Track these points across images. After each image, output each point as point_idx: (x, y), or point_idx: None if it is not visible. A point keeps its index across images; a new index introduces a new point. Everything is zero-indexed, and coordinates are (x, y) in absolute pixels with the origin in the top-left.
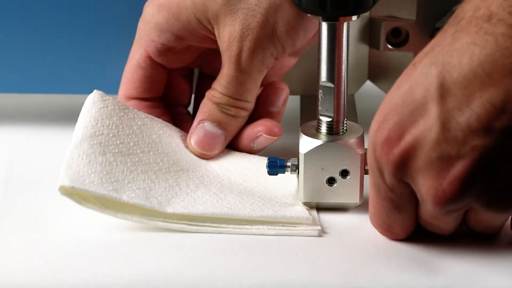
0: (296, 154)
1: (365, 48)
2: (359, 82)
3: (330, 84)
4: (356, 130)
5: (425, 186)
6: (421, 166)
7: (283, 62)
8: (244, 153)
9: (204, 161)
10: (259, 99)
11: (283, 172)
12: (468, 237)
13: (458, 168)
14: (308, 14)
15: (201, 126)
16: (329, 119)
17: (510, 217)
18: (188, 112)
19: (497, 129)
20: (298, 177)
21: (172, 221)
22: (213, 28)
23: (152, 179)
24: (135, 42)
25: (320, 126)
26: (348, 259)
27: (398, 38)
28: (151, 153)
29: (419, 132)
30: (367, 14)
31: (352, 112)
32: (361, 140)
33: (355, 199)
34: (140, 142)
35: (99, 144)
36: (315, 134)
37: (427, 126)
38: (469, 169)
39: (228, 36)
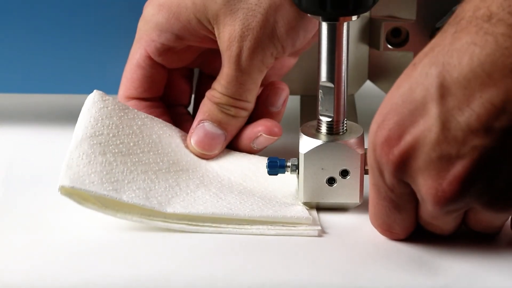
0: (296, 154)
1: (365, 48)
2: (359, 82)
3: (330, 84)
4: (356, 130)
5: (425, 186)
6: (421, 166)
7: (283, 62)
8: (244, 153)
9: (204, 161)
10: (259, 99)
11: (283, 172)
12: (468, 237)
13: (458, 168)
14: (308, 14)
15: (201, 126)
16: (329, 119)
17: (510, 217)
18: (188, 112)
19: (497, 129)
20: (298, 177)
21: (172, 221)
22: (213, 28)
23: (152, 179)
24: (135, 42)
25: (320, 126)
26: (348, 259)
27: (398, 38)
28: (151, 153)
29: (419, 132)
30: (367, 14)
31: (352, 112)
32: (361, 140)
33: (355, 199)
34: (140, 142)
35: (99, 144)
36: (315, 134)
37: (427, 126)
38: (469, 169)
39: (228, 36)
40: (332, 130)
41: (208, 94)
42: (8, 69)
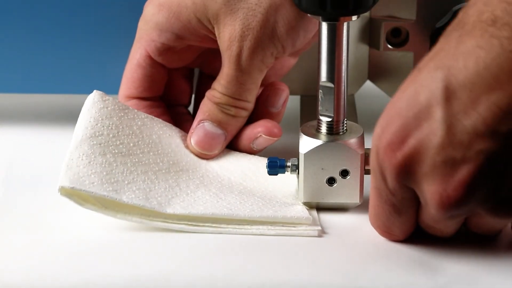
0: (296, 154)
1: (365, 48)
2: (359, 82)
3: (330, 84)
4: (356, 130)
5: (429, 191)
6: (425, 170)
7: (283, 62)
8: (244, 153)
9: (204, 161)
10: (259, 99)
11: (283, 172)
12: (468, 238)
13: (463, 173)
14: (308, 14)
15: (201, 126)
16: (329, 119)
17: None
18: (188, 112)
19: (503, 133)
20: (298, 177)
21: (172, 222)
22: (213, 28)
23: (152, 179)
24: (135, 42)
25: (320, 126)
26: (348, 259)
27: (398, 38)
28: (151, 153)
29: (423, 135)
30: (367, 14)
31: (352, 112)
32: (361, 140)
33: (355, 199)
34: (140, 142)
35: (99, 144)
36: (315, 134)
37: (431, 130)
38: (474, 174)
39: (229, 35)
40: (332, 130)
41: (208, 94)
42: (8, 69)
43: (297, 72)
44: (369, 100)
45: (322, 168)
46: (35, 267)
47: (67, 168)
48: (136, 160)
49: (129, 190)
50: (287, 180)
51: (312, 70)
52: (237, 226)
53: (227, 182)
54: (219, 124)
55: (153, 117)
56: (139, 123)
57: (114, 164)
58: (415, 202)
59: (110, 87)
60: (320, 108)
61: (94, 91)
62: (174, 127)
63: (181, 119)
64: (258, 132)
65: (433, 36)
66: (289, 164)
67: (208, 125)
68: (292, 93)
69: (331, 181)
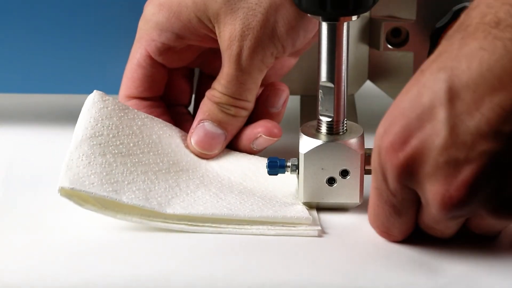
0: (296, 154)
1: (365, 48)
2: (359, 82)
3: (330, 84)
4: (356, 130)
5: (432, 191)
6: (428, 171)
7: (283, 62)
8: (244, 153)
9: (204, 161)
10: (259, 99)
11: (283, 172)
12: (468, 238)
13: (466, 173)
14: (308, 14)
15: (201, 126)
16: (329, 119)
17: None
18: (189, 112)
19: (506, 133)
20: (298, 177)
21: (172, 222)
22: (214, 27)
23: (152, 179)
24: (135, 42)
25: (320, 126)
26: (348, 259)
27: (398, 38)
28: (151, 153)
29: (426, 136)
30: (367, 14)
31: (352, 112)
32: (361, 140)
33: (355, 199)
34: (140, 142)
35: (99, 145)
36: (315, 134)
37: (434, 131)
38: (477, 174)
39: (229, 35)
40: (332, 130)
41: (208, 93)
42: (8, 69)
43: (297, 72)
44: (369, 100)
45: (322, 168)
46: (35, 267)
47: (67, 169)
48: (136, 160)
49: (129, 190)
50: (287, 180)
51: (312, 70)
52: (237, 226)
53: (227, 182)
54: (219, 123)
55: (153, 117)
56: (139, 123)
57: (114, 165)
58: (415, 203)
59: (110, 87)
60: (320, 108)
61: (94, 91)
62: (174, 127)
63: (181, 119)
64: (258, 132)
65: (433, 36)
66: (289, 164)
67: (208, 125)
68: (292, 93)
69: (331, 181)
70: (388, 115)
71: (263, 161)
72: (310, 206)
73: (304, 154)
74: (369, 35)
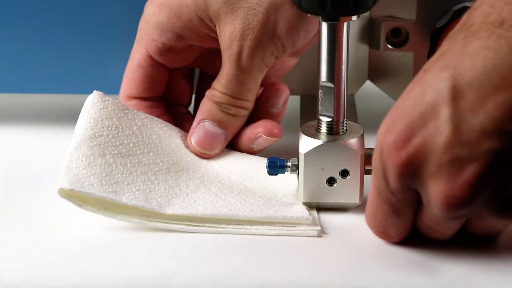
0: (296, 154)
1: (365, 48)
2: (359, 82)
3: (330, 84)
4: (356, 130)
5: (435, 190)
6: (431, 169)
7: (283, 62)
8: (244, 153)
9: (204, 161)
10: (259, 100)
11: (283, 172)
12: (467, 238)
13: (469, 172)
14: (308, 14)
15: (201, 126)
16: (329, 119)
17: None
18: (189, 111)
19: (510, 132)
20: (298, 177)
21: (172, 222)
22: (215, 26)
23: (152, 180)
24: (136, 42)
25: (320, 126)
26: (348, 259)
27: (398, 38)
28: (151, 154)
29: (429, 135)
30: (367, 14)
31: (352, 112)
32: (361, 140)
33: (355, 199)
34: (139, 143)
35: (98, 145)
36: (315, 134)
37: (438, 129)
38: (480, 173)
39: (229, 34)
40: (332, 130)
41: (208, 93)
42: (8, 69)
43: (297, 72)
44: (369, 100)
45: (322, 168)
46: (35, 267)
47: (66, 170)
48: (136, 160)
49: (128, 191)
50: (287, 180)
51: (312, 70)
52: (237, 226)
53: (227, 182)
54: (219, 123)
55: (153, 117)
56: (139, 123)
57: (114, 165)
58: (415, 204)
59: (110, 87)
60: (320, 108)
61: (94, 91)
62: (174, 127)
63: (181, 119)
64: (258, 132)
65: (433, 36)
66: (289, 164)
67: (208, 125)
68: (292, 93)
69: (331, 181)
70: (391, 113)
71: (263, 161)
72: (310, 206)
73: (304, 154)
74: (369, 35)
